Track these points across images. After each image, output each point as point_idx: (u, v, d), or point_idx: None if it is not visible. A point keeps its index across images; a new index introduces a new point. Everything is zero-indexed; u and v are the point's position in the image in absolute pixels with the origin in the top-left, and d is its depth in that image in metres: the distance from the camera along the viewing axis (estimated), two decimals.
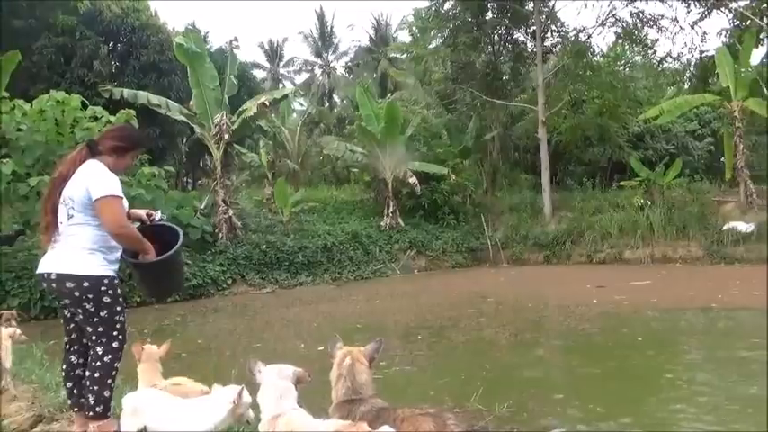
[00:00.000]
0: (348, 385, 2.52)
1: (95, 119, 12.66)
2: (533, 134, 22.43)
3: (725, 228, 16.31)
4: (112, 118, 12.70)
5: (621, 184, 19.73)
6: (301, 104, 34.52)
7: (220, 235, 15.76)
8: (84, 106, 12.59)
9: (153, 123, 18.39)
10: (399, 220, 19.45)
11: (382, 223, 19.52)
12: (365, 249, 18.32)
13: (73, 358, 3.46)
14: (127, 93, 15.34)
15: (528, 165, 25.29)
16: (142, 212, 3.69)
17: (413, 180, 18.82)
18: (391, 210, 19.46)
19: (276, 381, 2.40)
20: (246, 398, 2.68)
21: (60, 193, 3.32)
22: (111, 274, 3.29)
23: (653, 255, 16.91)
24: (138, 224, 3.61)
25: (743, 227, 16.00)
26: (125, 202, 3.41)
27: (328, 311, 11.84)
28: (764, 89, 17.70)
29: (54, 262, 3.27)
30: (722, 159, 22.05)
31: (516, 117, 24.25)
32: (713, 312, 9.29)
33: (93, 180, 3.22)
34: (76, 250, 3.24)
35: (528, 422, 4.37)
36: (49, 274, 3.28)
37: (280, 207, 18.10)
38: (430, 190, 19.98)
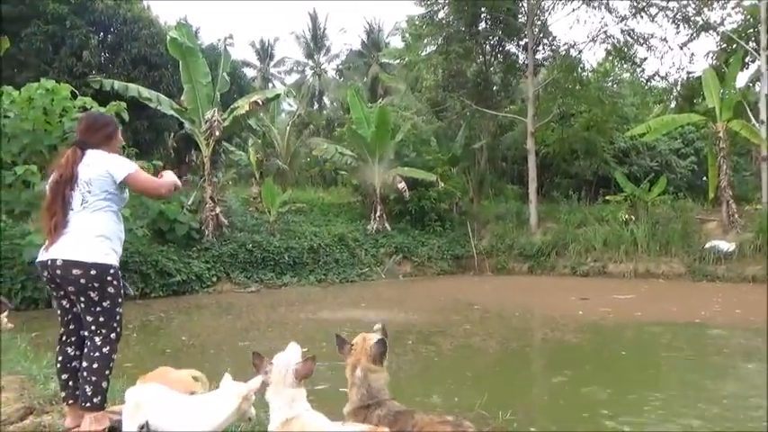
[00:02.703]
0: (363, 392, 2.51)
1: (84, 109, 12.45)
2: (521, 145, 22.65)
3: (707, 246, 16.57)
4: (102, 109, 12.51)
5: (607, 198, 19.96)
6: (290, 105, 34.47)
7: (206, 232, 15.63)
8: (74, 96, 12.39)
9: (140, 117, 18.15)
10: (386, 225, 19.47)
11: (369, 227, 19.53)
12: (351, 252, 18.30)
13: (69, 350, 3.43)
14: (117, 85, 15.16)
15: (514, 175, 25.51)
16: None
17: (402, 185, 18.85)
18: (378, 214, 19.48)
19: (292, 383, 2.36)
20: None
21: (69, 192, 3.30)
22: (117, 263, 3.31)
23: (636, 269, 17.10)
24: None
25: (725, 246, 16.28)
26: None
27: (314, 313, 11.78)
28: (749, 111, 18.09)
29: (61, 248, 3.25)
30: (704, 178, 22.48)
31: (505, 127, 24.45)
32: (696, 328, 9.42)
33: (112, 163, 3.30)
34: (86, 237, 3.24)
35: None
36: (53, 261, 3.25)
37: (267, 207, 18.00)
38: (417, 196, 20.03)
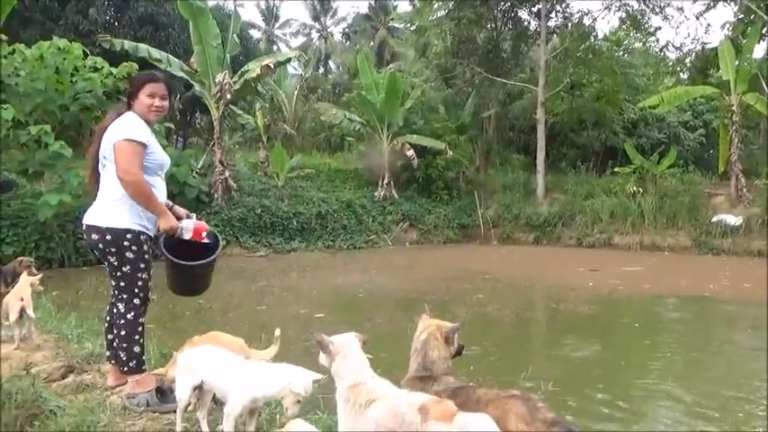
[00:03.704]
0: (419, 361, 2.46)
1: (96, 69, 12.32)
2: (530, 114, 22.42)
3: (714, 220, 16.61)
4: (114, 70, 12.37)
5: (615, 170, 19.89)
6: (295, 69, 34.00)
7: (216, 196, 15.62)
8: (85, 55, 12.22)
9: None
10: (393, 192, 19.46)
11: (376, 194, 19.53)
12: (359, 219, 18.36)
13: (115, 310, 3.44)
14: (128, 45, 14.91)
15: (521, 145, 25.33)
16: (183, 212, 3.61)
17: (410, 153, 18.76)
18: (386, 181, 19.43)
19: (357, 351, 2.38)
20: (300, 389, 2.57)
21: (96, 154, 3.31)
22: (138, 228, 3.21)
23: (642, 242, 17.18)
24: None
25: (731, 220, 16.31)
26: (161, 185, 3.34)
27: (326, 279, 11.88)
28: (764, 84, 17.87)
29: (88, 212, 3.28)
30: (712, 151, 22.39)
31: (514, 96, 24.17)
32: (706, 302, 9.51)
33: (116, 125, 3.20)
34: (105, 201, 3.23)
35: (569, 402, 4.49)
36: (82, 225, 3.31)
37: (275, 171, 17.94)
38: (425, 164, 19.96)
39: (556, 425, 1.95)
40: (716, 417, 4.47)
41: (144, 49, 15.14)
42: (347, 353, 2.37)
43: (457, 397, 2.21)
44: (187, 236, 3.29)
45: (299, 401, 2.50)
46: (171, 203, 3.57)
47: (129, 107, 3.30)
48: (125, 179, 3.09)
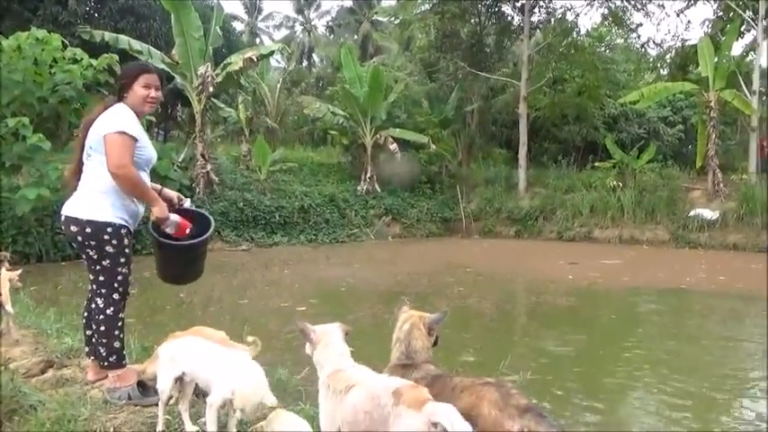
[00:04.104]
0: (402, 349, 2.53)
1: (75, 61, 12.16)
2: (512, 109, 22.58)
3: (691, 214, 16.89)
4: (94, 61, 12.22)
5: (596, 164, 20.12)
6: (278, 61, 33.75)
7: (197, 189, 15.51)
8: (64, 47, 12.05)
9: None
10: (376, 186, 19.48)
11: (359, 188, 19.54)
12: (341, 213, 18.37)
13: (94, 305, 3.43)
14: (108, 36, 14.69)
15: (504, 139, 25.49)
16: (174, 194, 3.60)
17: (393, 147, 18.78)
18: (369, 175, 19.45)
19: (338, 340, 2.43)
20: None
21: (83, 144, 3.27)
22: (119, 221, 3.18)
23: (621, 235, 17.43)
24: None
25: (708, 214, 16.61)
26: (145, 174, 3.30)
27: (308, 273, 11.90)
28: (742, 81, 18.19)
29: (67, 204, 3.23)
30: (690, 147, 22.72)
31: (497, 91, 24.31)
32: (683, 294, 9.71)
33: (106, 117, 3.15)
34: (87, 192, 3.18)
35: (547, 391, 4.59)
36: (60, 216, 3.25)
37: (257, 165, 17.86)
38: (408, 158, 19.99)
39: (528, 410, 2.01)
40: (688, 405, 4.60)
41: (124, 40, 14.94)
42: (329, 341, 2.43)
43: (434, 385, 2.28)
44: (170, 230, 3.28)
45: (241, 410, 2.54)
46: (161, 187, 3.56)
47: (120, 99, 3.25)
48: (118, 173, 3.05)
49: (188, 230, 3.35)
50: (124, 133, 3.07)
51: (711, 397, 4.81)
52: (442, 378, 2.39)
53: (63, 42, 11.89)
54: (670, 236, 16.91)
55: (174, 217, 3.30)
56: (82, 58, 12.11)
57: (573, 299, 9.12)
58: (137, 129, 3.16)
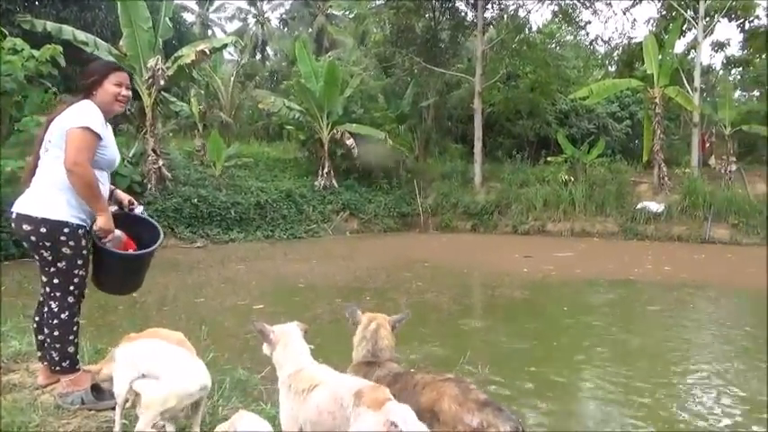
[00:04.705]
0: (369, 348, 2.58)
1: (15, 52, 11.62)
2: (467, 104, 22.87)
3: (638, 207, 17.53)
4: (36, 52, 11.71)
5: (548, 159, 20.59)
6: (231, 54, 33.14)
7: (149, 185, 15.11)
8: (3, 37, 11.49)
9: (72, 61, 17.01)
10: (333, 181, 19.41)
11: (316, 183, 19.43)
12: (298, 209, 18.23)
13: (46, 309, 3.30)
14: (50, 26, 14.07)
15: (459, 134, 25.78)
16: (125, 198, 3.47)
17: (350, 142, 18.74)
18: (326, 170, 19.36)
19: (297, 339, 2.43)
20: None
21: (41, 139, 3.13)
22: (77, 221, 3.04)
23: (573, 228, 17.92)
24: (115, 208, 3.37)
25: (654, 207, 17.26)
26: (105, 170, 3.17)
27: (265, 270, 11.76)
28: (684, 78, 18.92)
29: (19, 200, 3.07)
30: (637, 142, 23.52)
31: (452, 86, 24.55)
32: (632, 284, 10.07)
33: (72, 111, 3.02)
34: (43, 188, 3.03)
35: (509, 385, 4.68)
36: (11, 214, 3.08)
37: (212, 160, 17.53)
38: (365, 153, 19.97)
39: (487, 405, 2.07)
40: (642, 395, 4.76)
41: (68, 30, 14.34)
42: (288, 341, 2.43)
43: (397, 382, 2.35)
44: (110, 245, 3.12)
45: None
46: (113, 188, 3.42)
47: (87, 96, 3.10)
48: (73, 170, 2.91)
49: (131, 251, 3.22)
50: (88, 129, 2.94)
51: (662, 385, 5.00)
52: (403, 375, 2.44)
53: (2, 32, 11.33)
54: (619, 228, 17.49)
55: (119, 233, 3.15)
56: (23, 49, 11.58)
57: (528, 292, 9.33)
58: (101, 126, 3.03)
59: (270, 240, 16.55)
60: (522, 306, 8.51)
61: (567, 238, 17.43)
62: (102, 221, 3.04)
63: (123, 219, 3.31)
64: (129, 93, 3.24)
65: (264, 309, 7.89)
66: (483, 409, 2.04)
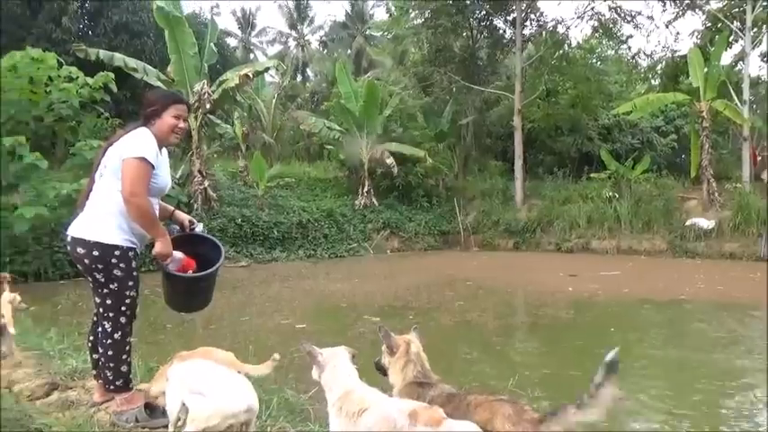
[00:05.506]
0: (419, 369, 2.58)
1: (70, 79, 12.18)
2: (507, 121, 22.72)
3: (687, 223, 16.95)
4: (89, 80, 12.23)
5: (591, 175, 20.22)
6: (272, 76, 33.90)
7: (195, 206, 15.49)
8: (59, 65, 12.07)
9: (123, 87, 17.72)
10: (374, 200, 19.50)
11: (356, 202, 19.55)
12: (339, 228, 18.36)
13: (100, 329, 3.39)
14: (102, 54, 14.73)
15: (499, 151, 25.61)
16: (185, 218, 3.57)
17: (390, 161, 18.83)
18: (366, 189, 19.48)
19: (345, 362, 2.44)
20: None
21: (97, 165, 3.24)
22: (128, 244, 3.14)
23: (619, 246, 17.45)
24: (177, 228, 3.49)
25: (704, 223, 16.66)
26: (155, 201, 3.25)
27: (307, 289, 11.85)
28: (732, 91, 18.36)
29: (74, 224, 3.19)
30: (684, 156, 22.87)
31: (491, 103, 24.47)
32: (683, 305, 9.71)
33: (127, 140, 3.12)
34: (96, 213, 3.14)
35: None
36: (67, 237, 3.19)
37: (255, 181, 17.87)
38: (405, 171, 20.05)
39: (542, 423, 2.06)
40: (690, 414, 4.58)
41: (119, 58, 14.99)
42: (336, 363, 2.44)
43: (450, 402, 2.36)
44: (171, 267, 3.22)
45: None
46: (173, 209, 3.53)
47: (145, 124, 3.20)
48: (130, 201, 3.01)
49: (190, 271, 3.30)
50: (144, 160, 3.04)
51: (718, 405, 4.79)
52: (456, 395, 2.45)
53: (58, 61, 11.90)
54: (667, 246, 16.94)
55: (178, 255, 3.23)
56: (77, 77, 12.13)
57: (573, 311, 9.10)
58: (155, 157, 3.12)
59: (312, 260, 16.70)
60: (569, 326, 8.30)
61: (612, 255, 16.99)
62: (160, 246, 3.14)
63: (186, 239, 3.41)
64: (187, 125, 3.33)
65: (306, 328, 7.93)
66: (538, 429, 2.04)
